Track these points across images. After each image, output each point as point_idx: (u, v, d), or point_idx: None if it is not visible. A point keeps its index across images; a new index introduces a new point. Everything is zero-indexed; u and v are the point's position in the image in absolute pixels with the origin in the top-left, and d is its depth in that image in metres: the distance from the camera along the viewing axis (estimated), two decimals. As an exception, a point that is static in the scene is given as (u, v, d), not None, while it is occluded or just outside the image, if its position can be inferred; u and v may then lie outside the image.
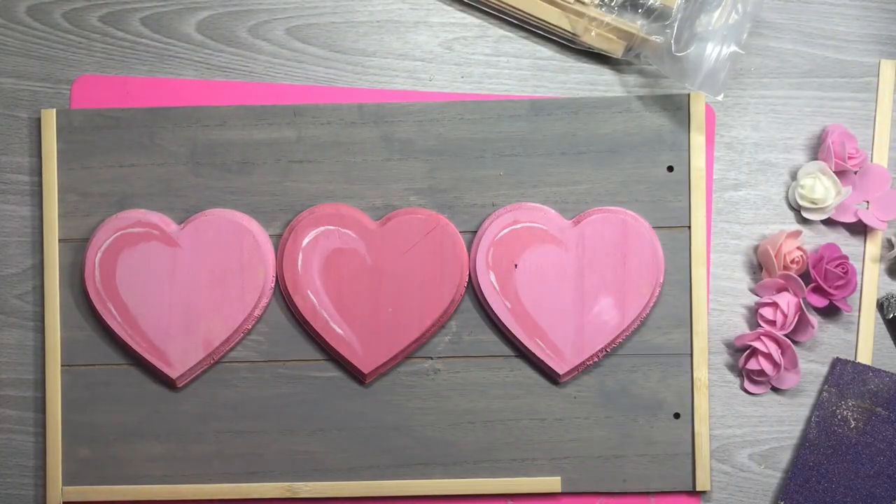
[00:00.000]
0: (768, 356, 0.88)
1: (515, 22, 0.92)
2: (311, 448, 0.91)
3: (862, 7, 0.93)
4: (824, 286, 0.88)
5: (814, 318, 0.89)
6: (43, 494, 0.91)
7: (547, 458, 0.90)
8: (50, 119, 0.91)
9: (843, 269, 0.88)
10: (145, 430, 0.91)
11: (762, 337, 0.88)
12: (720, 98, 0.87)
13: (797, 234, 0.89)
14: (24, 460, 0.92)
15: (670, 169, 0.91)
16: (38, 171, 0.92)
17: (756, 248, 0.92)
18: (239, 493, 0.90)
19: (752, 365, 0.89)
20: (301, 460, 0.91)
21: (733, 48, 0.86)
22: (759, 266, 0.92)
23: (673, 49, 0.87)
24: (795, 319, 0.88)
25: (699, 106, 0.90)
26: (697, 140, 0.90)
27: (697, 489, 0.90)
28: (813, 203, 0.90)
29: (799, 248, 0.89)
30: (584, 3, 0.89)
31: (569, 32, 0.90)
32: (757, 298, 0.91)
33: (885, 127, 0.92)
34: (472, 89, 0.93)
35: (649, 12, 0.90)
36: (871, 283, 0.91)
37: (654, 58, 0.88)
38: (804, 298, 0.89)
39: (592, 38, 0.90)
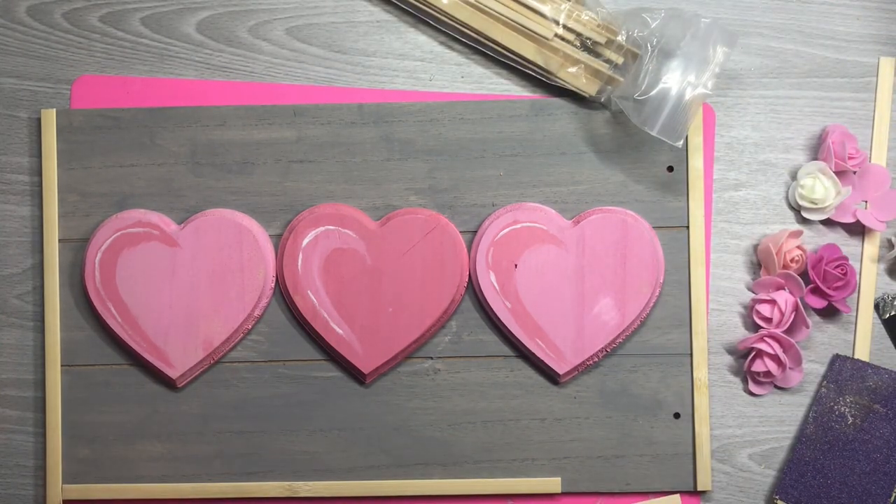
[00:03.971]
0: (774, 357, 0.88)
1: (494, 56, 0.92)
2: (311, 448, 0.91)
3: (862, 7, 0.93)
4: (823, 287, 0.88)
5: (809, 319, 0.89)
6: (43, 494, 0.91)
7: (547, 458, 0.90)
8: (50, 119, 0.91)
9: (841, 270, 0.88)
10: (145, 430, 0.91)
11: (765, 338, 0.88)
12: (679, 144, 0.86)
13: (798, 233, 0.90)
14: (24, 460, 0.92)
15: (670, 169, 0.91)
16: (38, 171, 0.92)
17: (756, 247, 0.92)
18: (239, 493, 0.90)
19: (758, 367, 0.89)
20: (301, 460, 0.91)
21: (699, 90, 0.86)
22: (758, 264, 0.92)
23: (634, 93, 0.86)
24: (792, 318, 0.88)
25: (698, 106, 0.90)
26: (696, 140, 0.90)
27: (698, 489, 0.90)
28: (813, 203, 0.90)
29: (799, 248, 0.89)
30: (561, 40, 0.89)
31: (543, 69, 0.90)
32: (754, 296, 0.91)
33: (883, 126, 0.92)
34: (472, 89, 0.93)
35: (618, 50, 0.89)
36: (869, 283, 0.91)
37: (621, 100, 0.87)
38: (802, 298, 0.89)
39: (567, 75, 0.89)
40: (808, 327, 0.88)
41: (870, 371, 0.89)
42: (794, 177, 0.92)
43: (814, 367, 0.91)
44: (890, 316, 0.90)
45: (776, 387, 0.91)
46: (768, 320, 0.89)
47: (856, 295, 0.91)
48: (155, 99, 0.92)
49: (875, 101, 0.92)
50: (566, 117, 0.91)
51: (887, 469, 0.88)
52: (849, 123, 0.92)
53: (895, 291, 0.91)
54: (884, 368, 0.89)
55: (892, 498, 0.88)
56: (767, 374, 0.89)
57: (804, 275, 0.89)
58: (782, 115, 0.93)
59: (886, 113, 0.92)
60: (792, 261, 0.89)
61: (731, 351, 0.91)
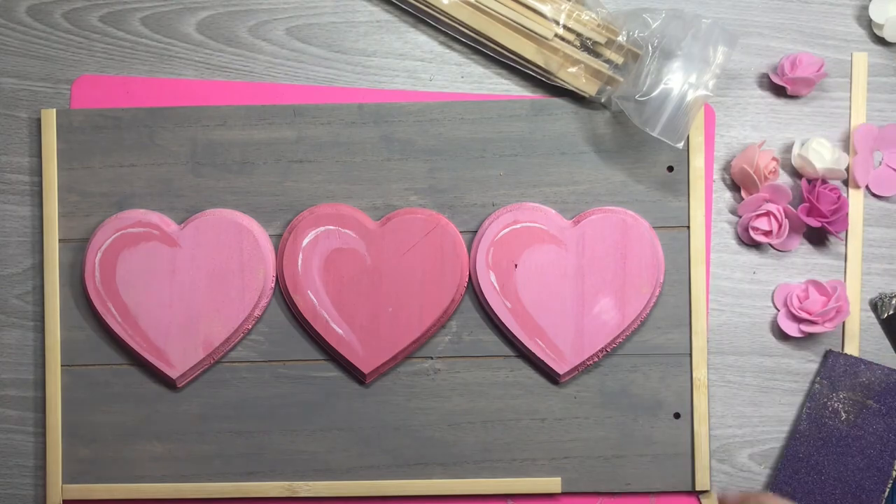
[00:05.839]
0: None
1: (494, 56, 0.92)
2: (311, 448, 0.91)
3: (861, 7, 0.93)
4: (818, 206, 0.88)
5: (802, 223, 0.90)
6: (43, 494, 0.91)
7: (547, 458, 0.90)
8: (50, 119, 0.91)
9: (836, 195, 0.88)
10: (145, 430, 0.91)
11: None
12: (680, 145, 0.86)
13: (762, 143, 0.90)
14: (24, 460, 0.92)
15: (670, 169, 0.91)
16: (38, 171, 0.92)
17: (728, 169, 0.92)
18: (239, 493, 0.90)
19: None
20: (301, 460, 0.91)
21: (700, 91, 0.86)
22: (736, 187, 0.92)
23: (636, 94, 0.86)
24: (787, 225, 0.89)
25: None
26: (697, 140, 0.90)
27: (697, 489, 0.90)
28: (823, 169, 0.90)
29: (773, 159, 0.90)
30: (561, 40, 0.89)
31: (542, 69, 0.90)
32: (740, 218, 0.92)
33: (860, 121, 0.92)
34: (472, 89, 0.93)
35: (619, 50, 0.89)
36: (855, 280, 0.92)
37: (622, 101, 0.87)
38: (792, 207, 0.90)
39: (567, 75, 0.89)
40: (800, 233, 0.90)
41: (863, 367, 0.90)
42: (793, 175, 0.92)
43: (813, 367, 0.91)
44: (888, 315, 0.90)
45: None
46: (768, 233, 0.90)
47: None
48: (155, 99, 0.92)
49: (850, 98, 0.92)
50: (566, 117, 0.91)
51: (881, 464, 0.88)
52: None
53: (893, 291, 0.91)
54: (877, 364, 0.90)
55: (886, 493, 0.88)
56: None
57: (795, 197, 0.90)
58: (782, 115, 0.93)
59: (862, 110, 0.92)
60: (770, 172, 0.89)
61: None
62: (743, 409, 0.91)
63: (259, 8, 0.93)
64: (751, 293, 0.92)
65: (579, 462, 0.90)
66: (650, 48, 0.87)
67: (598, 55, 0.90)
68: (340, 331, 0.89)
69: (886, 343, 0.92)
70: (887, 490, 0.88)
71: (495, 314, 0.89)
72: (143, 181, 0.91)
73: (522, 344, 0.89)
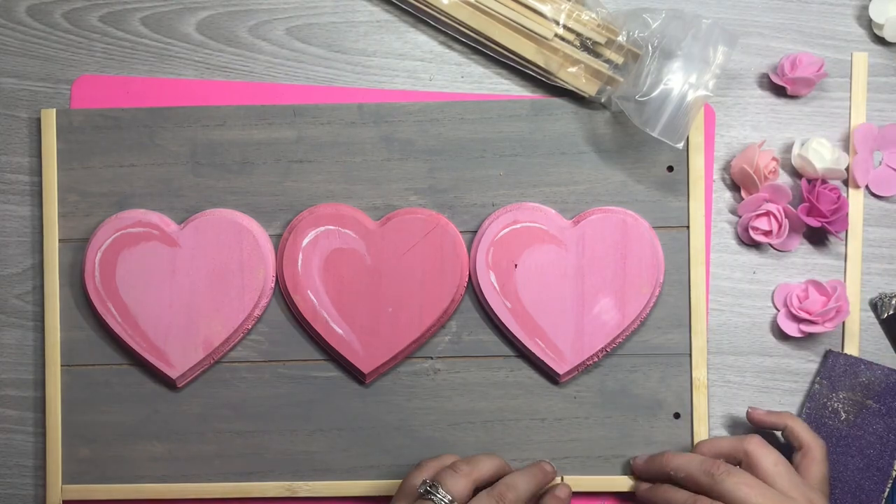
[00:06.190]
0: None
1: (494, 56, 0.92)
2: (311, 448, 0.91)
3: (861, 7, 0.93)
4: (818, 206, 0.88)
5: (801, 223, 0.90)
6: (43, 494, 0.91)
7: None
8: (50, 119, 0.91)
9: (836, 195, 0.88)
10: (145, 430, 0.91)
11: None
12: (680, 146, 0.86)
13: (762, 144, 0.90)
14: (24, 460, 0.92)
15: (670, 169, 0.91)
16: (38, 171, 0.92)
17: (728, 169, 0.92)
18: (239, 493, 0.91)
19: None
20: (301, 460, 0.91)
21: (701, 92, 0.86)
22: (734, 186, 0.92)
23: (636, 94, 0.86)
24: (787, 225, 0.89)
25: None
26: (697, 140, 0.90)
27: (697, 489, 0.90)
28: (824, 168, 0.90)
29: (773, 159, 0.90)
30: (561, 40, 0.89)
31: (542, 69, 0.90)
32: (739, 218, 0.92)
33: (860, 121, 0.92)
34: (472, 89, 0.93)
35: (619, 50, 0.89)
36: (855, 281, 0.92)
37: (622, 101, 0.87)
38: (792, 206, 0.90)
39: (567, 75, 0.89)
40: (801, 231, 0.90)
41: (862, 367, 0.90)
42: (792, 174, 0.92)
43: (813, 367, 0.91)
44: (888, 315, 0.91)
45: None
46: (768, 233, 0.90)
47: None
48: (155, 99, 0.92)
49: (850, 98, 0.92)
50: (566, 117, 0.91)
51: (881, 464, 0.88)
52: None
53: (893, 291, 0.91)
54: (877, 364, 0.90)
55: (886, 493, 0.88)
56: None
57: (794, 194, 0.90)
58: (782, 115, 0.93)
59: (862, 110, 0.92)
60: (770, 172, 0.89)
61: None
62: (743, 409, 0.91)
63: (259, 8, 0.93)
64: (750, 293, 0.92)
65: (579, 462, 0.90)
66: (650, 48, 0.87)
67: (598, 55, 0.90)
68: (340, 331, 0.89)
69: (886, 343, 0.92)
70: (887, 490, 0.88)
71: (495, 314, 0.89)
72: (143, 181, 0.91)
73: (522, 344, 0.89)
